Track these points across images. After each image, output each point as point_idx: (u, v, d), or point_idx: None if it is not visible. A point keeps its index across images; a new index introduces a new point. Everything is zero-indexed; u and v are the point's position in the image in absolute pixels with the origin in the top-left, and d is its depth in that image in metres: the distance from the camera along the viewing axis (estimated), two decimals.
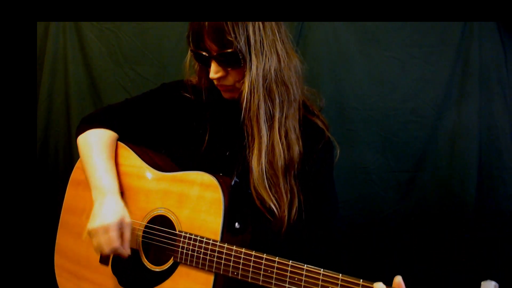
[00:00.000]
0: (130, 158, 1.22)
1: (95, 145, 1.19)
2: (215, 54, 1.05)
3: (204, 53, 1.07)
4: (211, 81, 1.15)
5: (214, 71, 1.07)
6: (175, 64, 1.87)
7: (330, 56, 1.75)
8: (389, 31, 1.72)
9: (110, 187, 1.11)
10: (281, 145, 1.08)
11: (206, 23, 1.02)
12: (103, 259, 1.17)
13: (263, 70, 1.05)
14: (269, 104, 1.08)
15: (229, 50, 1.03)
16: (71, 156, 1.90)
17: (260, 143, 1.07)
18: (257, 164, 1.06)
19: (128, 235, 1.07)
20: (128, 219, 1.07)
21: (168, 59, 1.87)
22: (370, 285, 0.84)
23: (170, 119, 1.25)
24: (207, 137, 1.18)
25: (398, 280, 0.84)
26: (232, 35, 1.01)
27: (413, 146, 1.70)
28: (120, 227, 1.05)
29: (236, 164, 1.12)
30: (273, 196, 1.07)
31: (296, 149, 1.11)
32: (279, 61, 1.08)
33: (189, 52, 1.16)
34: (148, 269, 1.10)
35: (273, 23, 1.07)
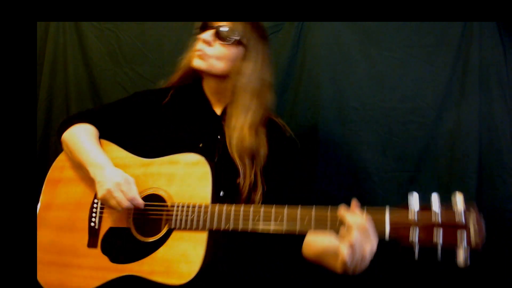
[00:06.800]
0: (114, 151, 1.31)
1: (83, 133, 1.31)
2: (217, 26, 1.25)
3: (210, 24, 1.26)
4: (193, 77, 1.37)
5: (207, 35, 1.26)
6: (175, 64, 1.87)
7: (330, 56, 1.75)
8: (389, 31, 1.72)
9: (107, 162, 1.23)
10: (252, 131, 1.27)
11: None
12: (91, 242, 1.22)
13: (254, 68, 1.28)
14: (249, 97, 1.28)
15: (230, 27, 1.24)
16: None
17: (235, 127, 1.27)
18: (236, 137, 1.26)
19: (136, 189, 1.19)
20: (130, 177, 1.19)
21: (168, 59, 1.87)
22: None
23: (142, 120, 1.37)
24: (181, 133, 1.32)
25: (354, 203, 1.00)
26: (240, 26, 1.24)
27: (413, 146, 1.70)
28: (127, 183, 1.17)
29: (216, 149, 1.29)
30: (241, 164, 1.25)
31: (263, 138, 1.29)
32: (263, 61, 1.31)
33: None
34: (141, 241, 1.18)
35: (267, 29, 1.31)
